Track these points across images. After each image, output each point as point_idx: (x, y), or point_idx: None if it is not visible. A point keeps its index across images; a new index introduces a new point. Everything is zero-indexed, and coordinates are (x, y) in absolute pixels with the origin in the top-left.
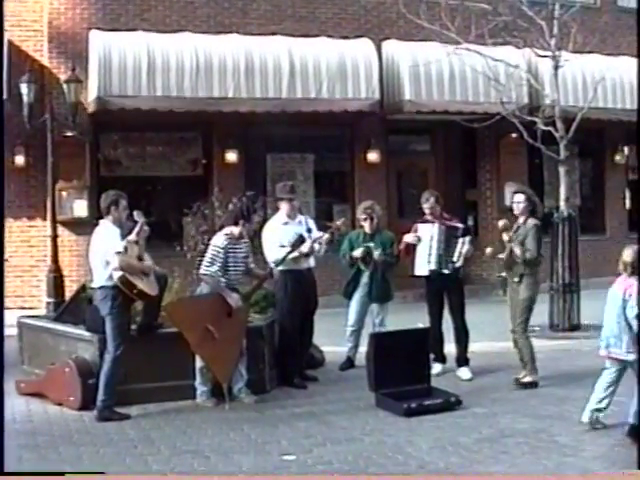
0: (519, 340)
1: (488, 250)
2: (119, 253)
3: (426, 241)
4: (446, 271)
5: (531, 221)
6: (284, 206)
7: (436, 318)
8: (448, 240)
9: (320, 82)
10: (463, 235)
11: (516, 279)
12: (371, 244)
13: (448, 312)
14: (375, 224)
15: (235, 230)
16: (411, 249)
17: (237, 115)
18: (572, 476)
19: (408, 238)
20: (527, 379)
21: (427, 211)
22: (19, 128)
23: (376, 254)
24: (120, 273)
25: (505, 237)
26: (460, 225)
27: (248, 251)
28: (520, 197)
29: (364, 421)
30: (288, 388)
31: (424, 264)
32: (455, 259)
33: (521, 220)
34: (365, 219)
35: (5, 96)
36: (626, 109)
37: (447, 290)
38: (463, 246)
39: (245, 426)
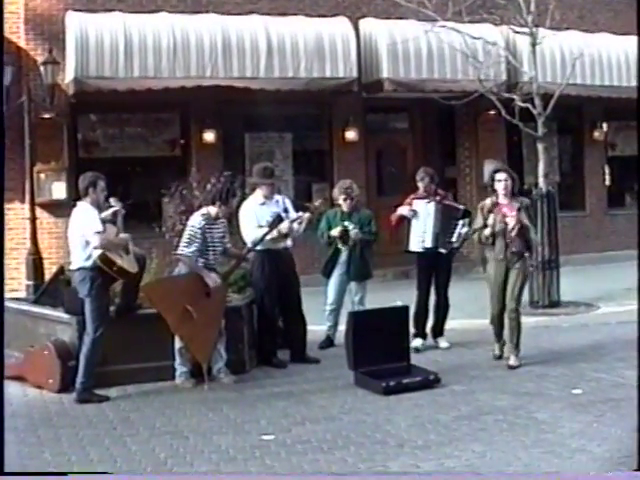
0: (516, 320)
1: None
2: (99, 232)
3: (421, 218)
4: (443, 250)
5: (522, 198)
6: (263, 188)
7: (424, 294)
8: (445, 219)
9: (298, 61)
10: (463, 217)
11: (526, 254)
12: (347, 223)
13: (433, 288)
14: (353, 203)
15: (212, 210)
16: (402, 222)
17: (215, 95)
18: (571, 475)
19: (403, 210)
20: (515, 362)
21: (421, 189)
22: None
23: (353, 233)
24: (100, 251)
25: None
26: (460, 207)
27: (225, 231)
28: (503, 175)
29: (343, 400)
30: (267, 368)
31: (419, 241)
32: (454, 240)
33: (506, 200)
34: (345, 199)
35: None
36: (604, 85)
37: (437, 268)
38: (463, 228)
39: (224, 406)
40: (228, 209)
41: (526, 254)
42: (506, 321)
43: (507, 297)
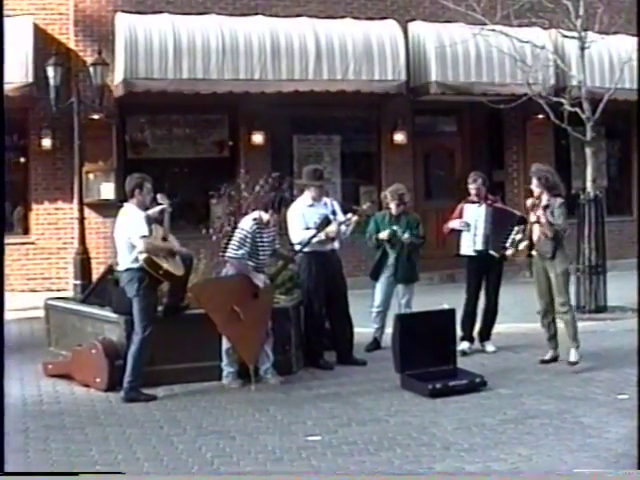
0: (568, 315)
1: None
2: (144, 237)
3: (472, 221)
4: (495, 253)
5: (553, 199)
6: (312, 190)
7: (473, 297)
8: (498, 223)
9: (346, 63)
10: (518, 223)
11: (549, 255)
12: (395, 227)
13: (483, 291)
14: (403, 208)
15: (264, 216)
16: (453, 232)
17: (263, 97)
18: (570, 474)
19: (454, 224)
20: (575, 357)
21: (473, 192)
22: (46, 111)
23: (405, 237)
24: (145, 255)
25: (532, 217)
26: (517, 213)
27: (275, 236)
28: (532, 179)
29: (389, 402)
30: (314, 369)
31: (470, 244)
32: (508, 245)
33: (545, 198)
34: (398, 204)
35: (31, 79)
36: None
37: (487, 271)
38: (517, 234)
39: (271, 407)
40: (279, 217)
41: (548, 255)
42: (558, 322)
43: (553, 297)
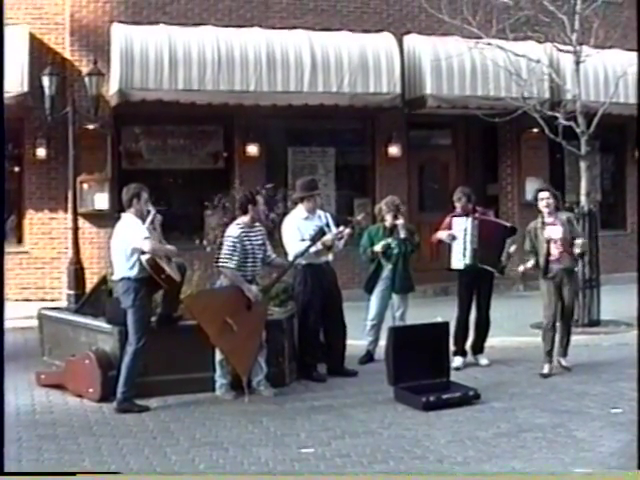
0: (568, 328)
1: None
2: (147, 238)
3: (460, 236)
4: (491, 269)
5: (567, 214)
6: (306, 202)
7: (465, 312)
8: (486, 236)
9: (342, 76)
10: (509, 235)
11: (576, 269)
12: (389, 239)
13: (474, 304)
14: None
15: (246, 218)
16: (441, 243)
17: (258, 108)
18: (572, 475)
19: (442, 235)
20: (567, 363)
21: (459, 209)
22: (41, 121)
23: (401, 233)
24: (149, 256)
25: (556, 235)
26: (507, 224)
27: (264, 238)
28: (546, 194)
29: (383, 414)
30: (307, 381)
31: (460, 257)
32: (503, 259)
33: (552, 217)
34: (395, 216)
35: (26, 89)
36: None
37: (479, 285)
38: (510, 247)
39: (264, 419)
40: (258, 208)
41: (575, 269)
42: (557, 332)
43: (563, 311)
